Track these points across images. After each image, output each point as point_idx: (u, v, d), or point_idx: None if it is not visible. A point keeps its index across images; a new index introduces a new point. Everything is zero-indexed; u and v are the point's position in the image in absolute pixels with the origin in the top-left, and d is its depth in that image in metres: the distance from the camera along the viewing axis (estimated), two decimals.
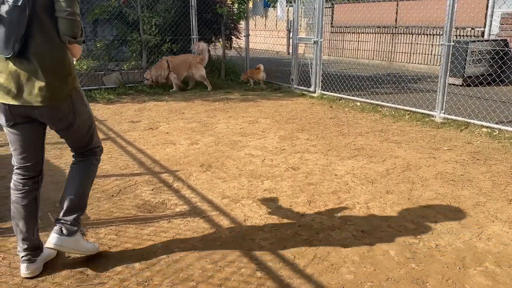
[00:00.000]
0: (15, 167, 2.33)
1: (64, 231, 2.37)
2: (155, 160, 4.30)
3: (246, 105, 6.92)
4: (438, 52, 10.75)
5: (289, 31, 15.61)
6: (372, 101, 6.68)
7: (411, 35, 11.38)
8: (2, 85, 2.10)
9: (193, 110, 6.52)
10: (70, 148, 2.48)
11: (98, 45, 8.80)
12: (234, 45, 9.73)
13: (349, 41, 13.40)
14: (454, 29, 5.35)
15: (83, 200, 2.47)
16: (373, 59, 12.63)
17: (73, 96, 2.23)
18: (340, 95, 7.22)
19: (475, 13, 9.30)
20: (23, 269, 2.33)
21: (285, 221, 2.97)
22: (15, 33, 2.01)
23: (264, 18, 16.64)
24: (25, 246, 2.33)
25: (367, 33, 12.75)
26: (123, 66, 8.54)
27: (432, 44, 10.88)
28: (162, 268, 2.42)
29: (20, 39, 2.03)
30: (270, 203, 3.27)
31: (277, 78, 9.26)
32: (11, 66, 2.09)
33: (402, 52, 11.73)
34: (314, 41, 7.32)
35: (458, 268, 2.41)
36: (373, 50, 12.63)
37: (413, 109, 6.10)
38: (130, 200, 3.37)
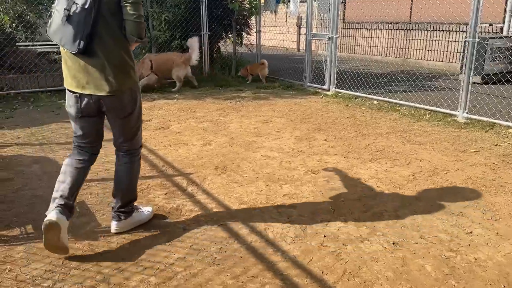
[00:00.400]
0: (77, 147, 2.62)
1: (122, 217, 2.76)
2: (167, 161, 4.12)
3: (258, 104, 6.72)
4: (454, 49, 10.46)
5: (299, 27, 15.35)
6: (390, 100, 6.45)
7: (426, 31, 11.09)
8: (74, 77, 2.41)
9: (204, 109, 6.33)
10: (115, 140, 2.69)
11: None
12: (245, 42, 9.51)
13: (361, 37, 13.13)
14: (479, 25, 5.09)
15: (133, 192, 2.81)
16: (386, 56, 12.35)
17: (133, 88, 2.53)
18: (356, 93, 6.99)
19: (493, 8, 9.00)
20: (114, 225, 2.79)
21: (309, 230, 2.77)
22: (81, 32, 2.27)
23: (274, 14, 16.39)
24: (62, 202, 2.48)
25: (380, 29, 12.47)
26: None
27: (448, 41, 10.58)
28: (179, 284, 2.24)
29: (86, 37, 2.28)
30: (291, 210, 3.08)
31: (288, 75, 9.04)
32: (80, 61, 2.37)
33: (417, 49, 11.44)
34: (329, 37, 7.09)
35: (502, 286, 2.20)
36: (387, 47, 12.35)
37: (434, 108, 5.86)
38: (143, 205, 3.18)
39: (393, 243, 2.61)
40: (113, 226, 2.78)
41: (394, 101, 6.39)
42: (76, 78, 2.42)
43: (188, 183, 3.60)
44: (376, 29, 12.64)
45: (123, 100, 2.50)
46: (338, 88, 7.33)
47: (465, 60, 5.33)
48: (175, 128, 5.27)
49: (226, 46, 9.85)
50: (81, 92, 2.42)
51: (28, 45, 8.73)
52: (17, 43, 7.89)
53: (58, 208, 2.43)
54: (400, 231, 2.75)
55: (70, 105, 2.51)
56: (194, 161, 4.11)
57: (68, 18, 2.26)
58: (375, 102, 6.62)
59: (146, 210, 2.96)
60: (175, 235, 2.76)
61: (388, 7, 11.54)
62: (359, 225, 2.83)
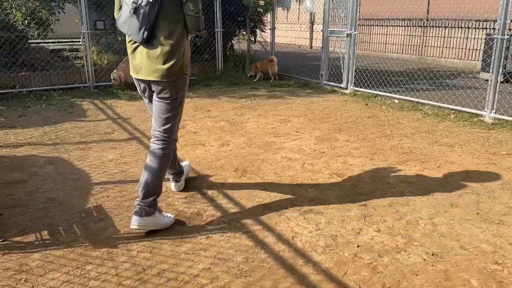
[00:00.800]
0: (152, 130, 2.85)
1: (143, 213, 2.67)
2: None
3: (274, 102, 6.55)
4: (474, 47, 10.18)
5: (312, 24, 15.13)
6: (412, 99, 6.23)
7: (444, 28, 10.81)
8: (133, 64, 2.69)
9: (219, 108, 6.17)
10: (153, 127, 2.79)
11: (120, 38, 8.49)
12: (259, 39, 9.32)
13: (376, 34, 12.87)
14: (509, 21, 4.86)
15: (158, 186, 2.75)
16: (402, 53, 12.09)
17: (182, 78, 2.70)
18: (375, 92, 6.78)
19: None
20: (173, 186, 3.30)
21: (340, 239, 2.60)
22: (145, 23, 2.50)
23: (286, 10, 16.17)
24: (172, 171, 3.20)
25: (396, 26, 12.21)
26: None
27: (467, 38, 10.30)
28: None
29: (149, 28, 2.51)
30: (319, 216, 2.90)
31: (303, 73, 8.85)
32: (142, 49, 2.61)
33: (434, 46, 11.17)
34: (347, 34, 6.89)
35: None
36: (402, 44, 12.09)
37: (459, 108, 5.64)
38: (162, 209, 3.03)
39: (433, 254, 2.43)
40: (133, 221, 2.67)
41: (416, 100, 6.18)
42: (134, 65, 2.69)
43: (208, 186, 3.44)
44: (391, 25, 12.39)
45: (168, 86, 2.67)
46: (356, 86, 7.13)
47: (492, 57, 5.10)
48: (191, 128, 5.12)
49: (240, 44, 9.67)
50: (137, 77, 2.72)
51: (40, 43, 8.65)
52: (29, 41, 7.80)
53: (173, 178, 3.27)
54: (438, 241, 2.57)
55: (137, 86, 2.85)
56: (212, 163, 3.96)
57: (135, 11, 2.51)
58: (396, 101, 6.41)
59: (169, 215, 2.88)
60: (198, 242, 2.60)
61: (405, 3, 11.28)
62: (394, 234, 2.65)
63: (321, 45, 7.62)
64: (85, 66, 7.20)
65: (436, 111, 5.78)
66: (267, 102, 6.60)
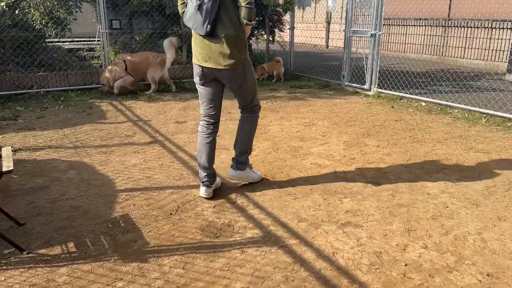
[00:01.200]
0: (203, 116, 3.22)
1: (239, 167, 3.31)
2: None
3: (296, 104, 6.37)
4: (497, 47, 9.89)
5: (328, 23, 14.91)
6: (441, 102, 6.01)
7: (466, 28, 10.53)
8: (201, 53, 2.98)
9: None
10: (238, 104, 3.30)
11: (138, 38, 8.39)
12: (277, 39, 9.15)
13: (395, 34, 12.61)
14: None
15: (250, 145, 3.34)
16: (422, 53, 11.83)
17: (245, 64, 3.02)
18: (401, 94, 6.57)
19: None
20: (202, 191, 3.20)
21: (385, 257, 2.42)
22: (208, 18, 2.81)
23: (302, 10, 15.95)
24: (205, 174, 3.19)
25: (416, 25, 11.94)
26: None
27: (490, 38, 10.01)
28: None
29: (211, 22, 2.82)
30: (358, 230, 2.73)
31: (322, 74, 8.65)
32: (206, 41, 2.93)
33: (455, 47, 10.89)
34: (371, 34, 6.68)
35: None
36: (422, 44, 11.82)
37: (491, 112, 5.41)
38: (191, 220, 2.89)
39: (488, 275, 2.24)
40: (230, 173, 3.36)
41: (445, 103, 5.96)
42: (201, 54, 3.00)
43: (237, 195, 3.29)
44: (411, 25, 12.12)
45: (236, 72, 3.01)
46: (379, 88, 6.92)
47: None
48: None
49: (258, 43, 9.51)
50: (204, 66, 3.01)
51: (59, 41, 8.59)
52: (46, 40, 7.74)
53: (206, 183, 3.20)
54: (491, 259, 2.38)
55: (196, 74, 3.13)
56: None
57: (199, 7, 2.83)
58: (423, 103, 6.19)
59: (257, 172, 3.53)
60: (232, 257, 2.45)
61: (427, 2, 11.01)
62: (443, 251, 2.47)
63: (337, 45, 7.43)
64: (103, 66, 7.10)
65: (466, 115, 5.56)
66: (289, 104, 6.43)
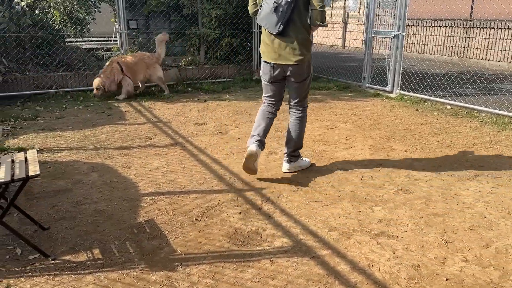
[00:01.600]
0: (266, 103, 3.62)
1: (292, 160, 3.67)
2: (234, 173, 3.73)
3: (317, 106, 6.26)
4: None
5: (345, 23, 14.73)
6: (467, 105, 5.84)
7: (488, 29, 10.28)
8: (270, 52, 3.36)
9: None
10: (290, 101, 3.60)
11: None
12: None
13: (414, 34, 12.40)
14: None
15: (301, 141, 3.66)
16: (441, 54, 11.60)
17: (309, 61, 3.42)
18: (424, 97, 6.41)
19: None
20: (253, 147, 3.41)
21: (424, 270, 2.31)
22: (282, 19, 3.16)
23: None
24: (258, 139, 3.45)
25: (436, 26, 11.72)
26: (181, 62, 8.06)
27: None
28: None
29: (284, 23, 3.17)
30: (393, 241, 2.62)
31: (341, 75, 8.51)
32: (276, 39, 3.30)
33: (477, 48, 10.64)
34: (394, 34, 6.53)
35: None
36: (442, 45, 11.59)
37: None
38: (218, 226, 2.81)
39: None
40: (285, 167, 3.69)
41: (471, 106, 5.78)
42: (271, 53, 3.37)
43: (262, 200, 3.19)
44: (431, 26, 11.89)
45: (303, 68, 3.41)
46: (402, 90, 6.76)
47: None
48: (234, 134, 4.89)
49: None
50: (274, 63, 3.39)
51: (78, 41, 8.60)
52: (66, 40, 7.74)
53: (256, 142, 3.42)
54: None
55: (264, 72, 3.51)
56: (263, 173, 3.71)
57: (275, 9, 3.17)
58: (448, 107, 6.02)
59: (306, 159, 3.82)
60: (263, 268, 2.36)
61: (448, 3, 10.79)
62: (484, 265, 2.34)
63: (355, 46, 7.27)
64: None
65: (494, 119, 5.39)
66: (309, 106, 6.30)
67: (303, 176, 3.64)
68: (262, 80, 3.59)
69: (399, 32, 6.48)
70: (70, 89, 6.83)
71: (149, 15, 9.08)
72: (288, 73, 3.40)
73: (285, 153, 3.70)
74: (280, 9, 3.15)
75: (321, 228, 2.77)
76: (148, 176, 3.65)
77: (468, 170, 3.73)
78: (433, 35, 11.88)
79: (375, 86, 7.21)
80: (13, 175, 2.30)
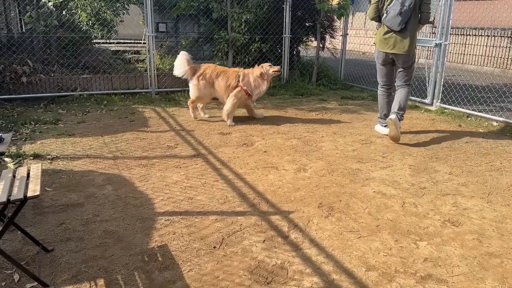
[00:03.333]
0: (381, 84, 5.03)
1: (399, 117, 4.62)
2: (258, 192, 3.40)
3: (349, 118, 5.86)
4: None
5: None
6: None
7: None
8: (387, 43, 4.63)
9: (288, 122, 5.58)
10: (398, 81, 4.82)
11: (184, 42, 8.13)
12: (328, 45, 8.63)
13: (453, 43, 11.77)
14: None
15: (405, 106, 4.74)
16: (482, 65, 10.94)
17: (414, 52, 4.70)
18: (468, 111, 5.91)
19: None
20: (385, 131, 4.88)
21: None
22: (404, 20, 4.46)
23: (351, 15, 15.32)
24: (394, 111, 4.67)
25: (477, 35, 11.07)
26: None
27: None
28: None
29: (404, 23, 4.47)
30: (443, 287, 2.21)
31: (374, 84, 8.03)
32: (394, 34, 4.57)
33: None
34: (436, 43, 6.07)
35: None
36: (483, 55, 10.94)
37: None
38: (238, 257, 2.48)
39: None
40: (392, 115, 4.61)
41: None
42: (388, 44, 4.62)
43: (289, 227, 2.85)
44: (471, 35, 11.26)
45: (409, 57, 4.65)
46: (443, 102, 6.28)
47: None
48: (260, 146, 4.56)
49: (307, 50, 9.04)
50: (388, 51, 4.65)
51: (105, 43, 8.48)
52: (92, 41, 7.62)
53: (394, 113, 4.61)
54: None
55: (378, 57, 4.82)
56: (290, 194, 3.36)
57: (400, 14, 4.43)
58: (495, 123, 5.51)
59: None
60: None
61: (492, 11, 10.16)
62: None
63: None
64: (148, 70, 6.86)
65: None
66: (341, 117, 5.92)
67: (335, 199, 3.27)
68: (377, 64, 4.92)
69: (441, 41, 6.01)
70: (94, 92, 6.66)
71: (178, 18, 8.89)
72: (399, 60, 4.66)
73: (392, 112, 4.71)
74: (403, 14, 4.45)
75: (357, 267, 2.40)
76: (166, 191, 3.36)
77: None
78: (473, 45, 11.25)
79: (413, 98, 6.74)
80: (10, 194, 2.04)
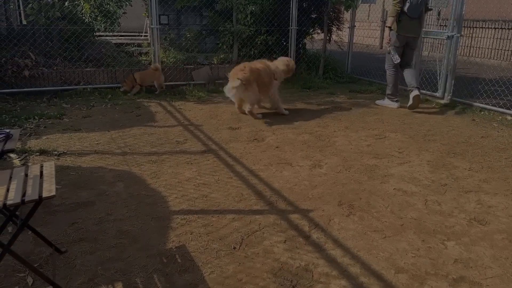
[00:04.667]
0: (393, 65, 5.80)
1: (419, 91, 5.59)
2: (274, 189, 3.29)
3: (360, 112, 5.74)
4: None
5: (384, 22, 14.05)
6: None
7: None
8: (407, 28, 5.54)
9: (298, 116, 5.46)
10: (407, 63, 5.79)
11: (188, 35, 7.97)
12: (334, 38, 8.49)
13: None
14: None
15: (418, 79, 5.88)
16: (489, 58, 10.81)
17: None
18: (481, 105, 5.79)
19: None
20: (415, 91, 5.65)
21: None
22: (420, 8, 5.48)
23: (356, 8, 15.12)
24: (416, 86, 5.67)
25: (484, 27, 10.93)
26: (213, 60, 7.66)
27: None
28: None
29: (421, 11, 5.51)
30: None
31: (382, 77, 7.90)
32: (413, 21, 5.51)
33: None
34: (447, 36, 5.93)
35: None
36: (491, 48, 10.80)
37: None
38: (260, 259, 2.37)
39: None
40: (415, 91, 5.55)
41: None
42: (407, 29, 5.52)
43: (310, 226, 2.74)
44: (478, 27, 11.11)
45: (418, 40, 5.81)
46: (454, 96, 6.15)
47: None
48: (271, 141, 4.45)
49: (313, 43, 8.89)
50: (406, 35, 5.55)
51: (108, 36, 8.32)
52: (95, 34, 7.46)
53: (417, 88, 5.58)
54: None
55: (400, 41, 5.59)
56: (308, 191, 3.25)
57: (420, 2, 5.41)
58: (509, 117, 5.40)
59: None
60: None
61: (500, 2, 10.00)
62: None
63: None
64: (152, 63, 6.71)
65: None
66: (351, 111, 5.80)
67: (355, 197, 3.16)
68: (392, 48, 5.59)
69: (453, 33, 5.87)
70: (98, 85, 6.52)
71: (181, 10, 8.72)
72: (414, 42, 5.65)
73: (414, 86, 5.58)
74: (421, 3, 5.39)
75: (386, 269, 2.30)
76: (179, 189, 3.25)
77: None
78: (480, 37, 11.11)
79: (423, 91, 6.59)
80: (24, 194, 1.92)
